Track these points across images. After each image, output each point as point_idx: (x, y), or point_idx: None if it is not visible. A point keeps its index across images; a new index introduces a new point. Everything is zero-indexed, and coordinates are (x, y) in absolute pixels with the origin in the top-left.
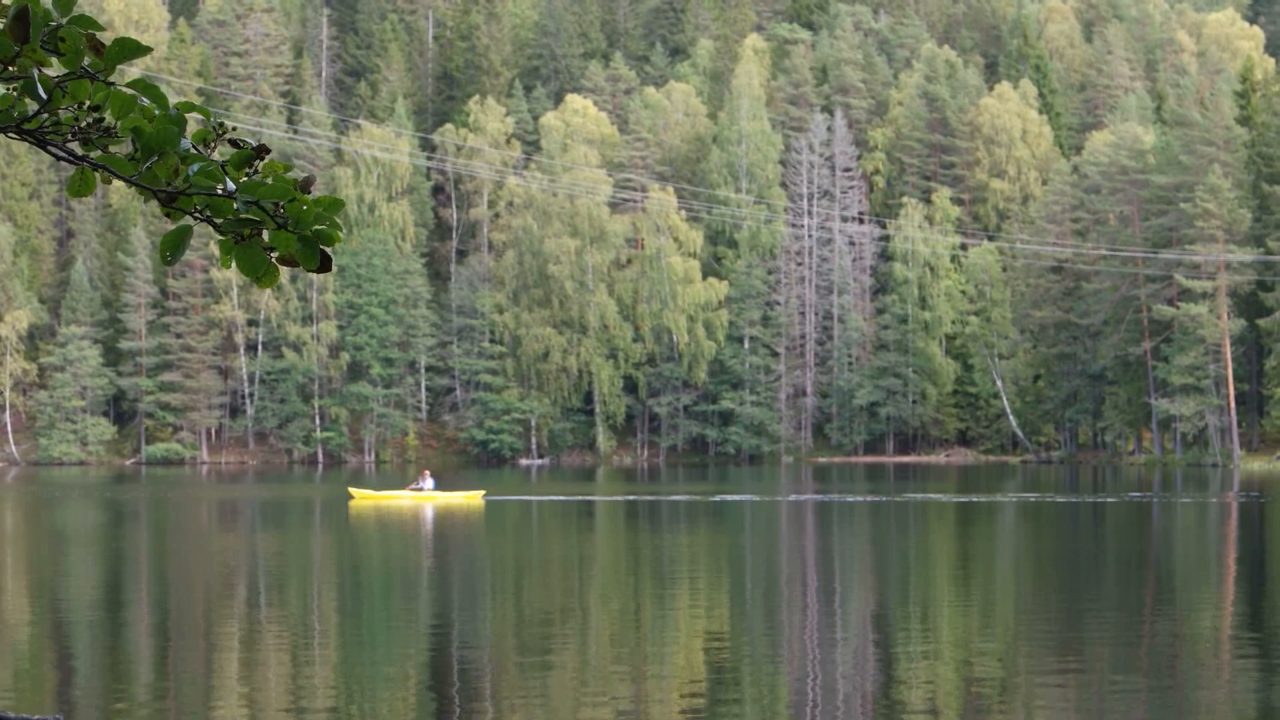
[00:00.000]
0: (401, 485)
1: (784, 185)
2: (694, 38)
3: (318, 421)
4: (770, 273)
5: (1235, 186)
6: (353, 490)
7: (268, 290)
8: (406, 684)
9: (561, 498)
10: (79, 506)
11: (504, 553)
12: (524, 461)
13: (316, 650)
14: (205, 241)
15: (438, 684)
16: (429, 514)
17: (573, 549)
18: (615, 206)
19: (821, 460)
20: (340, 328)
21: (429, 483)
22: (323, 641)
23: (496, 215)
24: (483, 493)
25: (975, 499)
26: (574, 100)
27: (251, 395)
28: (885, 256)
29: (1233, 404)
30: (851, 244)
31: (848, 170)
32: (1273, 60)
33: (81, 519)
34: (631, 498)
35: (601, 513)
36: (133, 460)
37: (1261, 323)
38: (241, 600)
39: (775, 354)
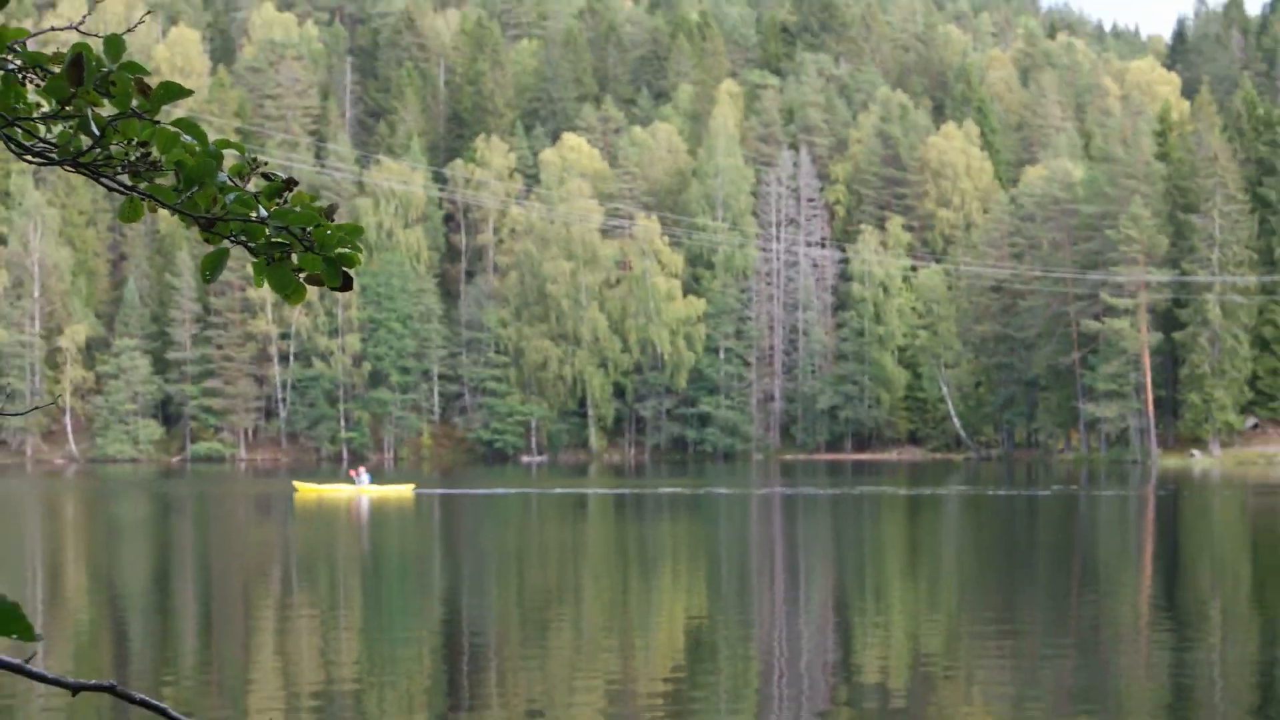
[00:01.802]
0: (415, 480)
1: (755, 214)
2: (675, 83)
3: (343, 423)
4: (743, 291)
5: (1154, 215)
6: (296, 484)
7: (297, 307)
8: (420, 655)
9: (509, 490)
10: (131, 499)
11: (500, 541)
12: (525, 458)
13: (341, 625)
14: (242, 263)
15: (449, 654)
16: (364, 505)
17: (568, 536)
18: (606, 232)
19: (788, 458)
20: (362, 340)
21: (365, 478)
22: (346, 616)
23: (500, 240)
24: (413, 486)
25: (923, 492)
26: (569, 138)
27: (284, 400)
28: (844, 277)
29: (1151, 408)
30: (815, 266)
31: (811, 200)
32: (1187, 103)
33: (133, 510)
34: (620, 491)
35: (593, 504)
36: (179, 457)
37: (1176, 336)
38: (274, 580)
39: (747, 363)
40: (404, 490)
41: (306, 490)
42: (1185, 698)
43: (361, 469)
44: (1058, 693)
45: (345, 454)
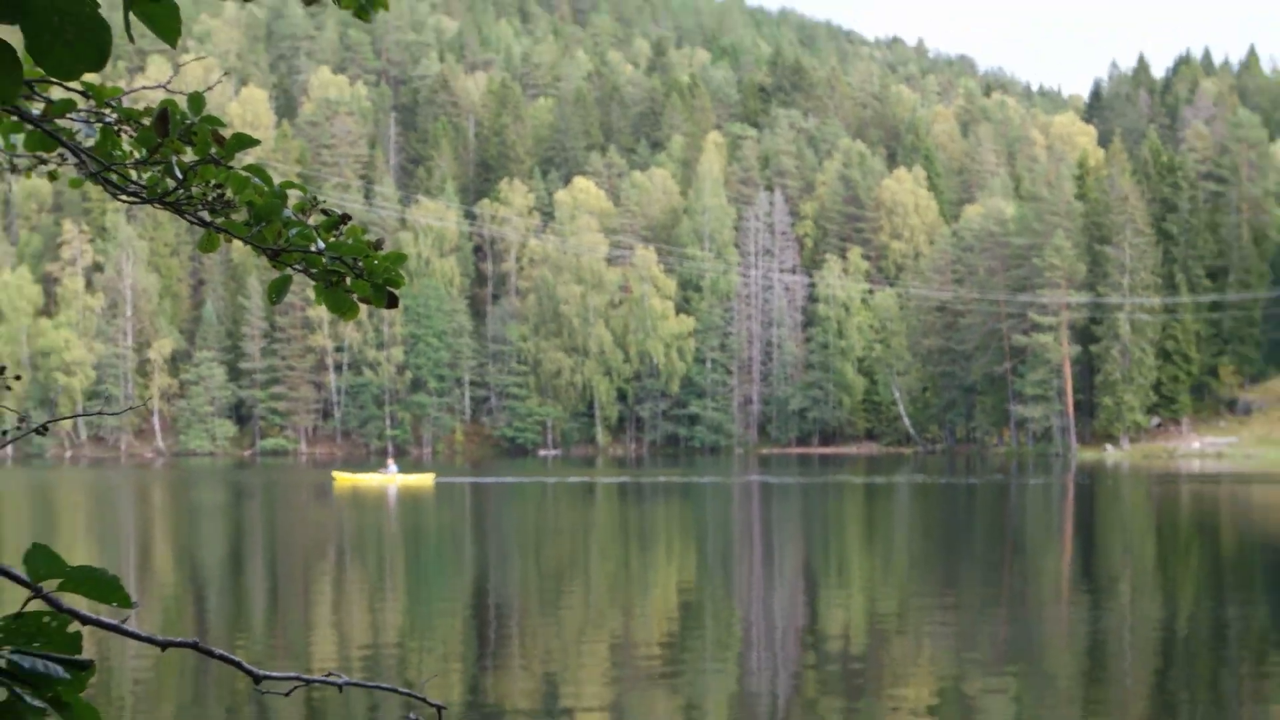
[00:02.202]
0: (442, 468)
1: (736, 245)
2: (669, 134)
3: (388, 422)
4: (726, 311)
5: (1073, 246)
6: (335, 474)
7: (350, 323)
8: (452, 615)
9: (527, 479)
10: (208, 487)
11: (520, 521)
12: (541, 452)
13: (385, 591)
14: (302, 287)
15: (477, 615)
16: (393, 492)
17: (578, 518)
18: (610, 261)
19: (764, 451)
20: (404, 352)
21: (393, 468)
22: (388, 583)
23: (521, 268)
24: (433, 476)
25: (878, 480)
26: (579, 181)
27: (338, 402)
28: (812, 299)
29: (1070, 409)
30: (786, 290)
31: (784, 233)
32: (1102, 151)
33: (210, 496)
34: (622, 480)
35: (600, 491)
36: (249, 451)
37: (1092, 348)
38: (325, 553)
39: (729, 371)
40: (426, 479)
41: (344, 480)
42: (1100, 651)
43: (390, 461)
44: (991, 647)
45: (390, 448)
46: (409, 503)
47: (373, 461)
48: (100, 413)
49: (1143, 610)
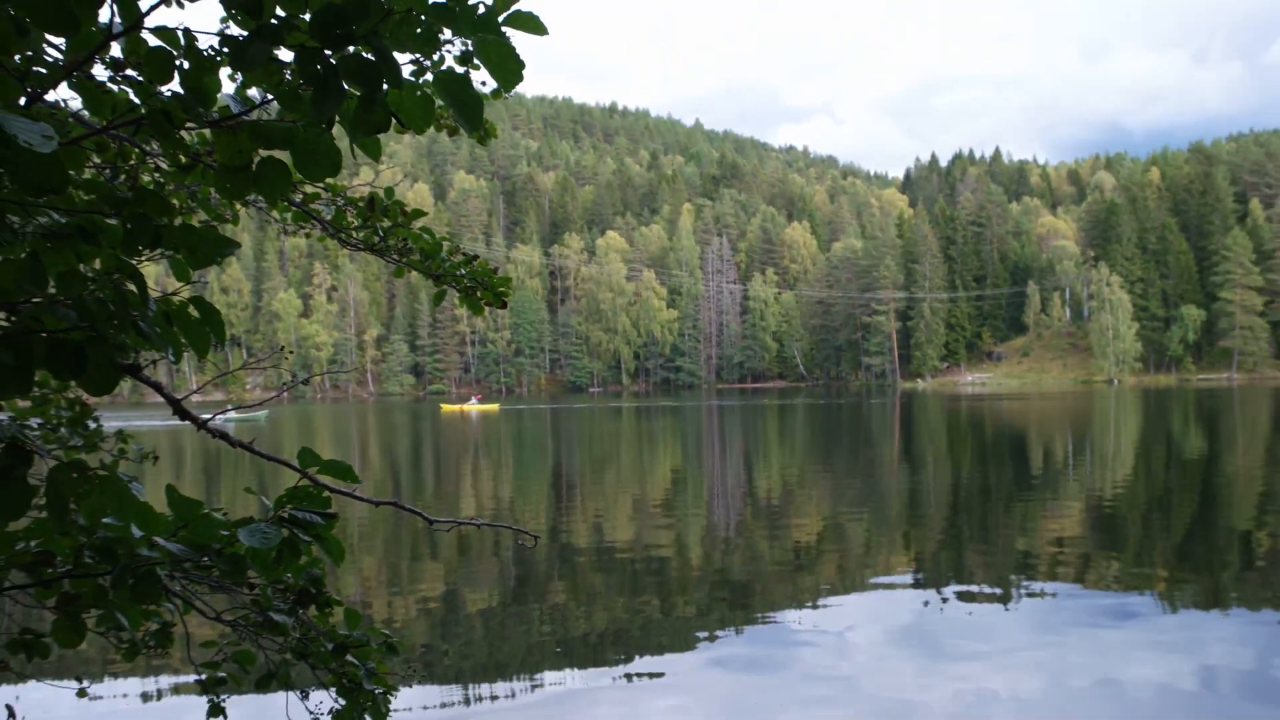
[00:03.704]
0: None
1: (701, 268)
2: (660, 205)
3: (501, 375)
4: (695, 307)
5: (896, 265)
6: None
7: (478, 317)
8: (535, 481)
9: (580, 405)
10: (401, 414)
11: (573, 430)
12: (591, 390)
13: (498, 469)
14: (451, 296)
15: (553, 483)
16: (475, 415)
17: (610, 427)
18: (628, 279)
19: (720, 387)
20: (510, 333)
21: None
22: (486, 464)
23: (577, 284)
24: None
25: (786, 402)
26: (610, 234)
27: (473, 363)
28: (746, 298)
29: (896, 359)
30: (730, 294)
31: (728, 261)
32: (911, 210)
33: (400, 419)
34: (636, 405)
35: (626, 413)
36: (423, 393)
37: (908, 324)
38: (461, 449)
39: (698, 341)
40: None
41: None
42: (916, 498)
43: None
44: (852, 496)
45: (503, 390)
46: (486, 419)
47: (492, 397)
48: (337, 371)
49: (940, 473)
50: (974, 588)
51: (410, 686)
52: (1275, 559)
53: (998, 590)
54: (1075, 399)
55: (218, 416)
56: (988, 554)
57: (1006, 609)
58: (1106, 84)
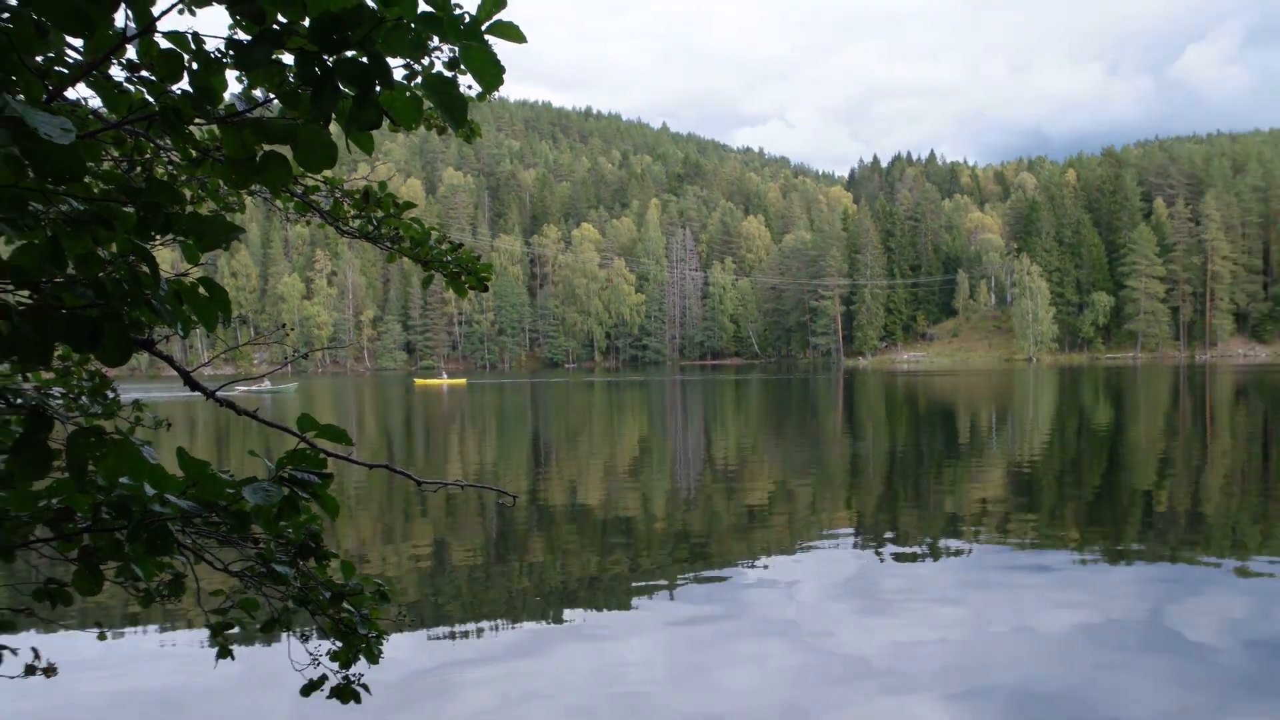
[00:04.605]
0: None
1: (667, 257)
2: (630, 200)
3: (485, 352)
4: (661, 292)
5: (841, 255)
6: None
7: (464, 299)
8: (516, 445)
9: (556, 380)
10: (393, 387)
11: (549, 401)
12: (567, 365)
13: (481, 437)
14: (439, 280)
15: (531, 447)
16: (445, 389)
17: (583, 399)
18: (601, 266)
19: (683, 364)
20: (494, 314)
21: (444, 374)
22: (470, 430)
23: (554, 270)
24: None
25: (742, 377)
26: (585, 226)
27: (460, 341)
28: (706, 284)
29: (840, 340)
30: (693, 280)
31: (691, 251)
32: (855, 205)
33: (395, 391)
34: (608, 379)
35: (598, 387)
36: (415, 368)
37: (851, 307)
38: (440, 419)
39: (663, 323)
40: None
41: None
42: (858, 462)
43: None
44: (799, 461)
45: (487, 366)
46: (454, 392)
47: (475, 372)
48: (336, 347)
49: (878, 441)
50: (907, 544)
51: (401, 631)
52: (1171, 517)
53: (928, 546)
54: (999, 375)
55: (250, 389)
56: (920, 513)
57: (936, 562)
58: (1029, 95)
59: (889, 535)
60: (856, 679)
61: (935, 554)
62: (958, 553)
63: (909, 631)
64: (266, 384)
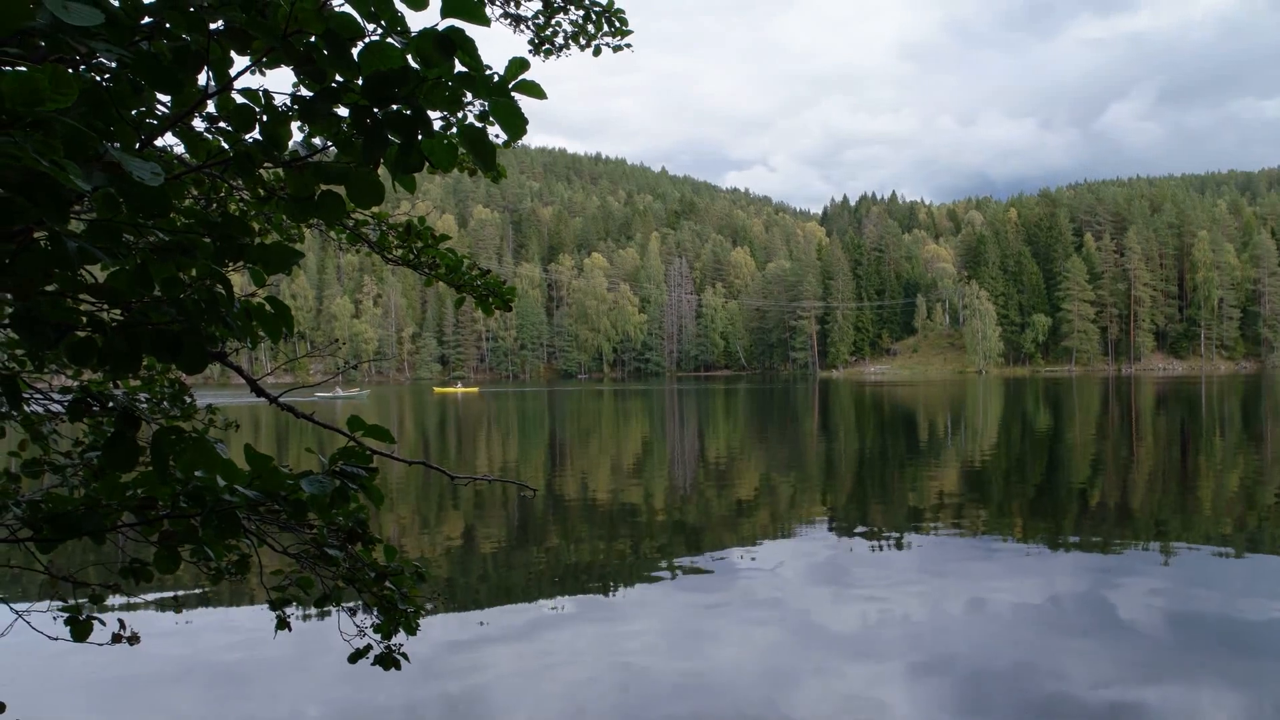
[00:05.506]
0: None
1: (665, 282)
2: (634, 233)
3: (510, 363)
4: (661, 312)
5: (816, 281)
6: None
7: (491, 318)
8: (534, 446)
9: (570, 389)
10: (425, 396)
11: (564, 407)
12: (580, 376)
13: (502, 436)
14: (470, 301)
15: (549, 446)
16: (460, 396)
17: (593, 405)
18: (609, 290)
19: (680, 375)
20: (517, 331)
21: (459, 384)
22: (495, 431)
23: (569, 293)
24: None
25: (731, 386)
26: (595, 256)
27: (487, 354)
28: (700, 305)
29: (816, 353)
30: (688, 303)
31: (687, 277)
32: (829, 239)
33: (427, 399)
34: (615, 388)
35: (606, 394)
36: (448, 378)
37: (825, 326)
38: (464, 422)
39: (662, 339)
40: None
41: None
42: (831, 462)
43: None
44: (780, 461)
45: (510, 376)
46: (468, 399)
47: (499, 383)
48: (380, 359)
49: (849, 442)
50: (875, 533)
51: (435, 606)
52: (1103, 509)
53: (893, 534)
54: (953, 386)
55: (325, 395)
56: (885, 506)
57: (900, 549)
58: (975, 144)
59: (859, 525)
60: (830, 649)
61: (899, 542)
62: (918, 541)
63: (876, 608)
64: (339, 391)
